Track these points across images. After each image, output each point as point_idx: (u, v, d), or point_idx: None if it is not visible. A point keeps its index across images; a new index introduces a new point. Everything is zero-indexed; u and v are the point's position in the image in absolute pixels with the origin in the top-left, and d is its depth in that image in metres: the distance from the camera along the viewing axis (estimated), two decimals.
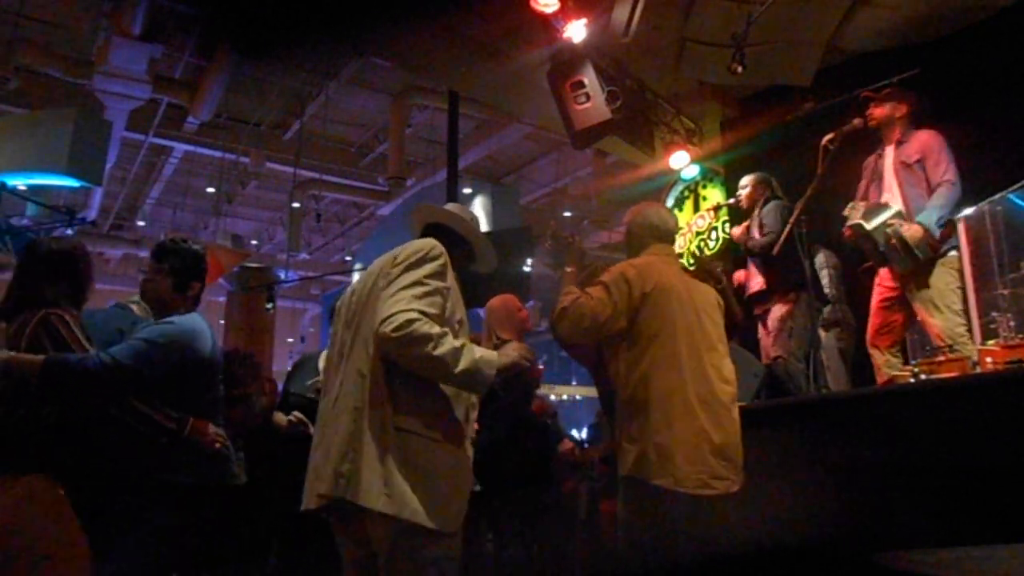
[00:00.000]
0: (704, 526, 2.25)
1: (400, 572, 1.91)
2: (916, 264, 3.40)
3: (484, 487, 3.66)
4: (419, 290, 1.99)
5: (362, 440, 1.92)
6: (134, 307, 2.84)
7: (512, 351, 2.11)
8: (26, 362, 2.10)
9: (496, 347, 3.34)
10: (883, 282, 3.70)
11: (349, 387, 2.02)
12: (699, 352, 2.45)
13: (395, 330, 1.89)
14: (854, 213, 3.62)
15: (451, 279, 2.12)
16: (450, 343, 1.93)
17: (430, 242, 2.13)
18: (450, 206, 2.38)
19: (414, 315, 1.92)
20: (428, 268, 2.04)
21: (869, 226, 3.47)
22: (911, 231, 3.36)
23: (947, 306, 3.37)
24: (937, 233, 3.37)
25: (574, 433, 12.59)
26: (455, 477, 2.01)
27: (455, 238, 2.30)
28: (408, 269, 2.03)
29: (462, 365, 1.94)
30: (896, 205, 3.55)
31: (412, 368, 1.96)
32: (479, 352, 2.00)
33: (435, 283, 2.03)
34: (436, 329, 1.93)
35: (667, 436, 2.29)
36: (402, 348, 1.92)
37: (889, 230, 3.42)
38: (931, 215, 3.38)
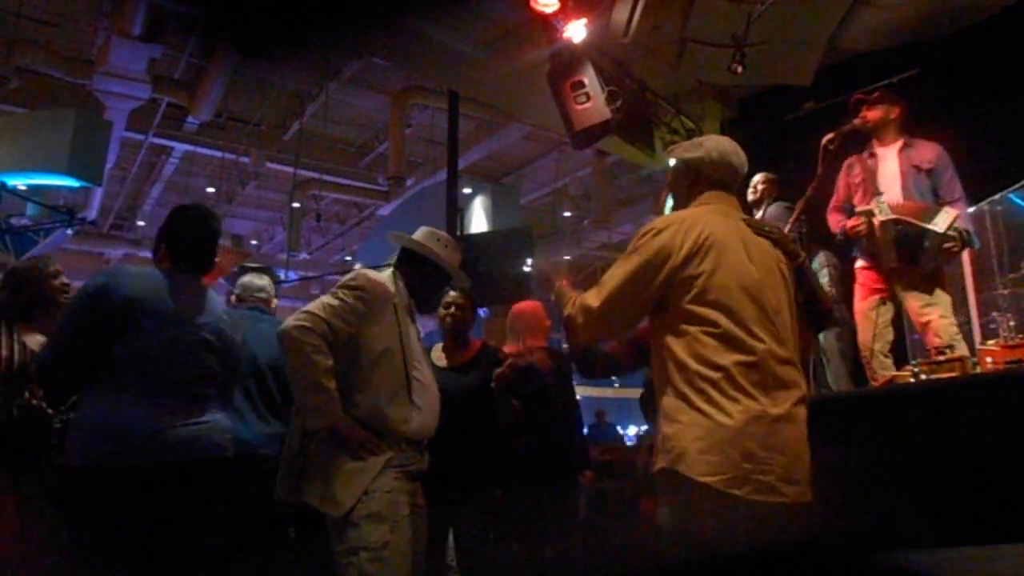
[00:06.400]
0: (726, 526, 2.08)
1: (334, 553, 2.22)
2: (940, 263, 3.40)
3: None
4: (332, 301, 2.29)
5: (288, 441, 2.33)
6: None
7: (357, 434, 2.26)
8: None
9: (520, 353, 3.43)
10: (868, 283, 3.64)
11: None
12: (765, 327, 1.87)
13: (294, 328, 2.21)
14: (881, 208, 3.46)
15: (380, 309, 2.36)
16: (313, 378, 2.18)
17: (363, 274, 2.42)
18: (419, 233, 2.63)
19: (313, 331, 2.20)
20: (347, 290, 2.33)
21: (941, 229, 3.30)
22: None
23: (942, 303, 3.38)
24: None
25: None
26: (357, 474, 2.21)
27: (423, 260, 2.58)
28: (336, 287, 2.36)
29: (306, 401, 2.22)
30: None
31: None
32: (335, 406, 2.21)
33: (352, 301, 2.30)
34: (319, 360, 2.19)
35: (708, 424, 1.80)
36: (284, 349, 2.24)
37: (953, 232, 3.30)
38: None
